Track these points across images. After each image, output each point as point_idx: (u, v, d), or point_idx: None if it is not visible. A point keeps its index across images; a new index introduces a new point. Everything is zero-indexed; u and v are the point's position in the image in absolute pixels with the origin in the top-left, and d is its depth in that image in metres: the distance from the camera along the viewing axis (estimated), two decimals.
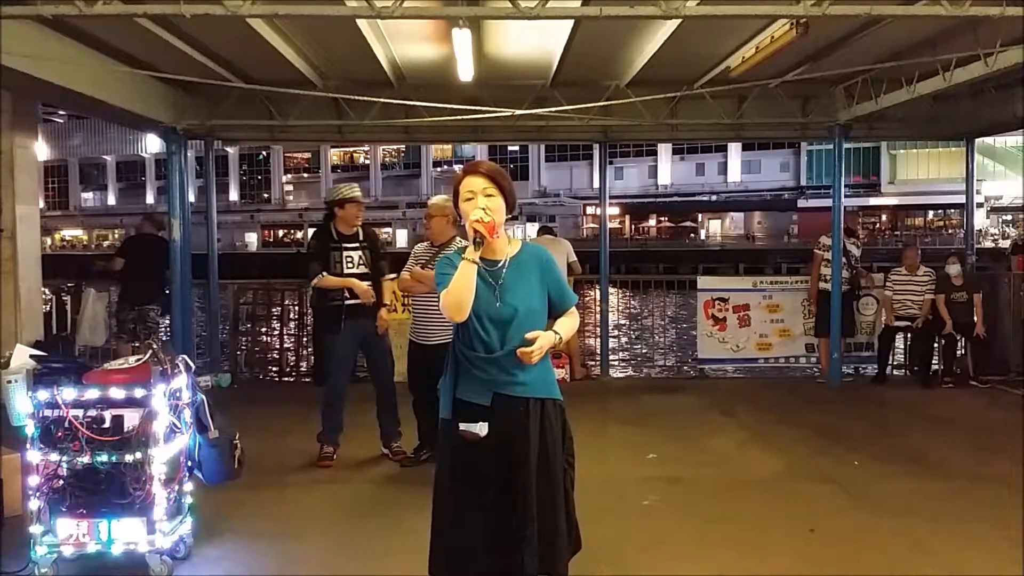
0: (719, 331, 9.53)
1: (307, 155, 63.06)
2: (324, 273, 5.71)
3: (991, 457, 5.98)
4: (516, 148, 49.03)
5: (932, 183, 47.64)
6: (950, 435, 6.73)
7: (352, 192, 5.86)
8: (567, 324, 3.04)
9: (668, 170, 56.22)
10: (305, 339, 9.58)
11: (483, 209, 2.83)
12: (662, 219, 56.94)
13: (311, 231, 8.22)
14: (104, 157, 66.16)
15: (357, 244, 5.81)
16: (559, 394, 3.03)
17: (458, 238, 5.59)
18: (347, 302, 5.70)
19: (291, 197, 63.33)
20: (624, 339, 16.45)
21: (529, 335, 2.84)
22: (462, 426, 2.87)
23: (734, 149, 53.38)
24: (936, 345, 9.06)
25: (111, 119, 16.40)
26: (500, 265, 2.93)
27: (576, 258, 9.23)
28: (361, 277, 5.75)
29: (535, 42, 7.29)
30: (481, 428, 2.85)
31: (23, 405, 3.83)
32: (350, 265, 5.76)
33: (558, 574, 2.93)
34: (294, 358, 9.85)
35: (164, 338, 8.80)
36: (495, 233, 2.82)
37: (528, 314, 2.91)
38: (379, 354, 5.97)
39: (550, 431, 2.94)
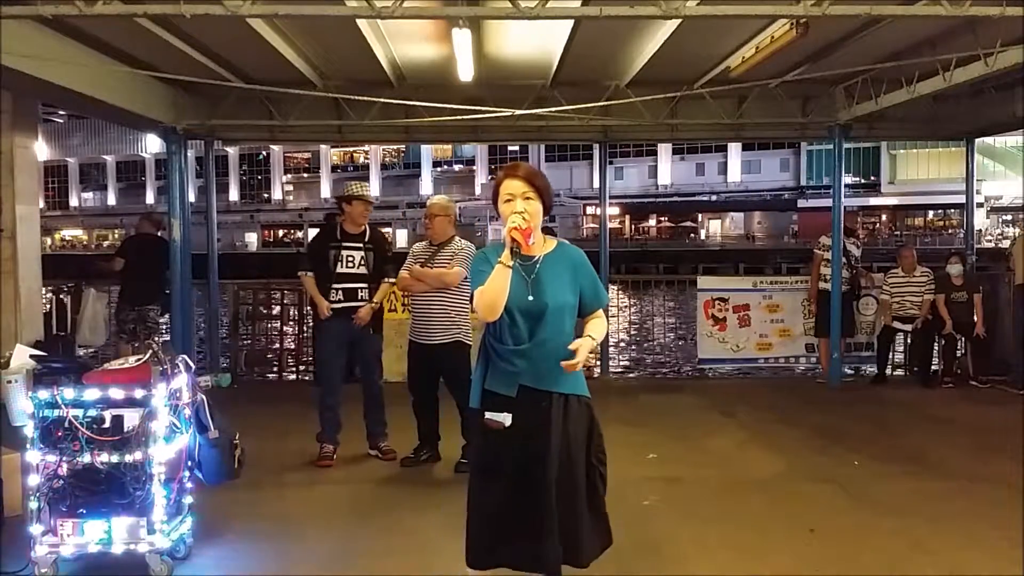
0: (719, 331, 9.53)
1: (307, 155, 63.05)
2: (310, 272, 5.78)
3: (991, 457, 5.98)
4: (516, 148, 48.94)
5: (932, 183, 47.64)
6: (950, 435, 6.73)
7: (362, 190, 5.92)
8: (599, 327, 3.11)
9: (668, 170, 56.19)
10: (305, 337, 9.58)
11: (521, 215, 2.91)
12: (662, 219, 56.95)
13: (312, 231, 8.24)
14: (104, 157, 66.13)
15: (360, 245, 5.79)
16: (586, 391, 3.09)
17: (457, 238, 5.60)
18: (335, 304, 5.71)
19: (291, 197, 63.33)
20: (624, 338, 16.43)
21: (571, 346, 2.91)
22: (487, 414, 2.96)
23: (734, 149, 53.36)
24: (936, 345, 9.07)
25: (111, 119, 16.36)
26: (534, 261, 3.01)
27: None
28: (358, 278, 5.75)
29: (535, 42, 7.29)
30: (505, 418, 2.93)
31: (23, 405, 3.82)
32: (350, 265, 5.75)
33: (580, 565, 2.98)
34: (294, 358, 9.85)
35: (164, 338, 8.79)
36: (530, 239, 2.91)
37: (558, 309, 2.98)
38: (366, 355, 5.95)
39: (573, 426, 2.99)
